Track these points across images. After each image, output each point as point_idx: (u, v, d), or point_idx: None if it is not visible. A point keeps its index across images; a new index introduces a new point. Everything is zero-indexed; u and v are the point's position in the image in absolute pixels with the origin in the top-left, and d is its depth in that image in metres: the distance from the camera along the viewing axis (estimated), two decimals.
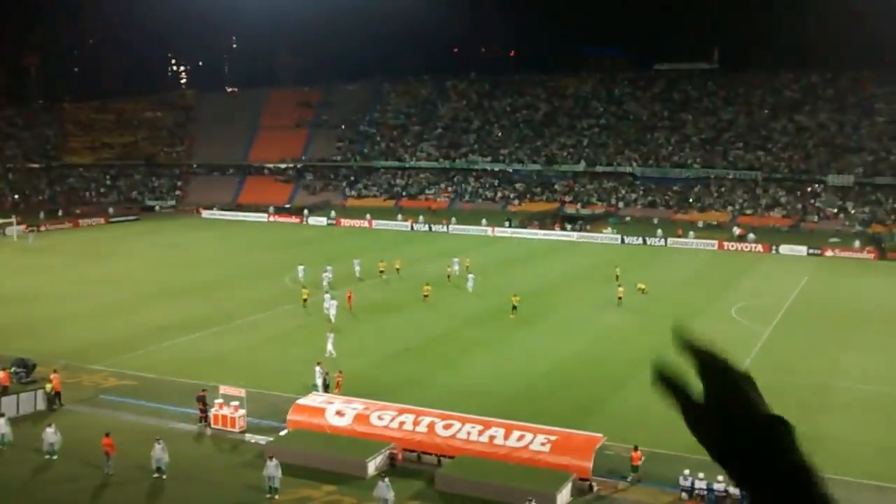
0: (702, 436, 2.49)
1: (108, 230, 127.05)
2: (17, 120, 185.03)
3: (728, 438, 2.45)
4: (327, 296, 70.18)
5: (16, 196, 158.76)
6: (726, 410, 2.45)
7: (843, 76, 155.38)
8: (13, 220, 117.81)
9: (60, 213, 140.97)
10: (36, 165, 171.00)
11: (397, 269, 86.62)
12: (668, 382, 2.54)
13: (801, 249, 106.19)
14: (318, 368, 49.47)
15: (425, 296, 74.16)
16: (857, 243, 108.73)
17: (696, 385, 2.50)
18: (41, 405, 46.25)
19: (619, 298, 73.39)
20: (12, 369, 49.90)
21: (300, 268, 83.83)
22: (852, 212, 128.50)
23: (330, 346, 56.81)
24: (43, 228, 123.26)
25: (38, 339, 60.69)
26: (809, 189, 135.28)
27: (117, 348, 58.49)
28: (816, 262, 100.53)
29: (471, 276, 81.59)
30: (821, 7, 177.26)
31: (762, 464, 2.39)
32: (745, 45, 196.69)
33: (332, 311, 66.85)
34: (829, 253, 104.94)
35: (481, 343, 61.09)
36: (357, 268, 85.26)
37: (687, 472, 36.09)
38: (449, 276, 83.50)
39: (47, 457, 39.56)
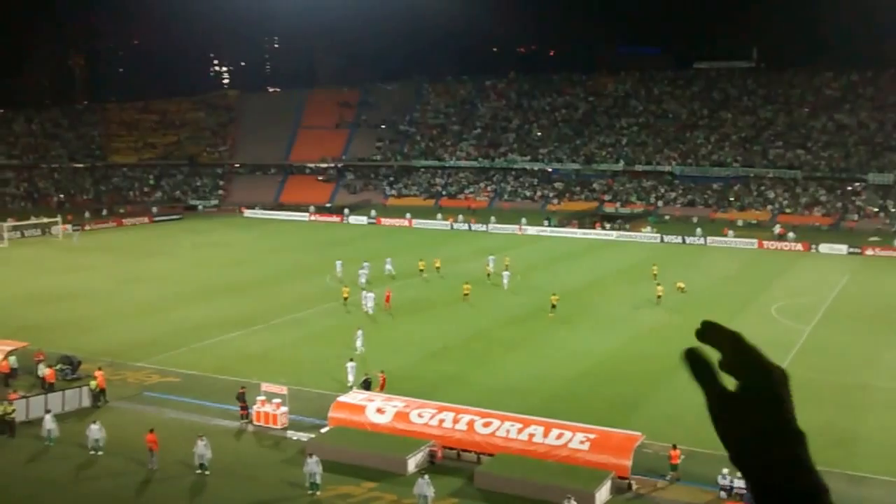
0: (725, 430, 2.51)
1: (151, 229, 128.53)
2: (62, 120, 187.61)
3: (754, 444, 2.44)
4: (364, 291, 72.20)
5: (61, 196, 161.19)
6: (758, 413, 2.46)
7: (885, 74, 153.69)
8: (59, 219, 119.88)
9: (105, 212, 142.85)
10: (81, 165, 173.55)
11: (437, 268, 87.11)
12: (700, 365, 2.58)
13: (842, 248, 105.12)
14: (349, 364, 50.49)
15: (465, 294, 74.52)
16: None
17: (727, 379, 2.52)
18: (86, 402, 47.04)
19: (658, 297, 73.42)
20: (58, 366, 51.16)
21: (338, 263, 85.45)
22: (893, 210, 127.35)
23: (359, 343, 57.85)
24: (88, 228, 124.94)
25: (83, 337, 61.79)
26: (850, 188, 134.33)
27: (161, 346, 59.39)
28: (857, 260, 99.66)
29: (506, 273, 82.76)
30: (861, 5, 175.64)
31: (783, 478, 2.43)
32: (784, 44, 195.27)
33: (370, 304, 69.00)
34: (869, 252, 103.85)
35: (521, 341, 61.34)
36: (389, 266, 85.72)
37: (725, 471, 36.05)
38: (489, 275, 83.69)
39: (92, 452, 40.28)
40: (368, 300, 69.38)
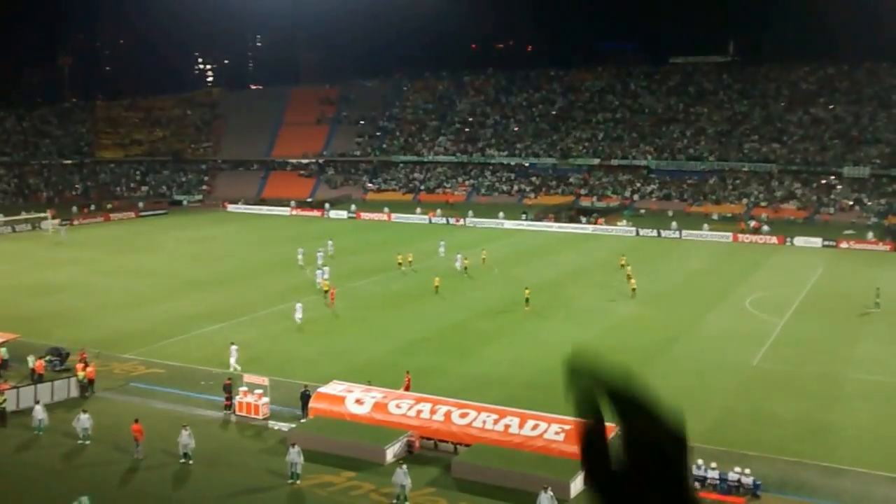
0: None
1: (138, 224, 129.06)
2: (51, 118, 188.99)
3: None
4: (319, 272, 78.78)
5: (51, 191, 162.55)
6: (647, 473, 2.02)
7: (860, 68, 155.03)
8: (48, 214, 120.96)
9: (93, 207, 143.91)
10: (70, 162, 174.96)
11: (409, 262, 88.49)
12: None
13: (816, 241, 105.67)
14: (233, 347, 53.11)
15: (436, 287, 75.72)
16: (870, 234, 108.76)
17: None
18: (74, 392, 47.96)
19: (633, 290, 74.13)
20: (47, 358, 51.98)
21: (329, 242, 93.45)
22: (868, 204, 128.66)
23: (299, 315, 62.92)
24: (76, 223, 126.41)
25: (71, 329, 62.69)
26: (825, 181, 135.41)
27: (146, 338, 60.28)
28: (831, 253, 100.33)
29: (459, 255, 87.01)
30: None
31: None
32: (760, 38, 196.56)
33: (323, 278, 76.49)
34: (844, 245, 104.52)
35: (497, 333, 62.19)
36: (318, 253, 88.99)
37: (700, 461, 36.76)
38: (466, 269, 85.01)
39: (80, 442, 41.14)
40: (320, 275, 77.45)
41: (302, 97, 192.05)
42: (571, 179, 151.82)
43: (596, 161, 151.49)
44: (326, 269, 79.41)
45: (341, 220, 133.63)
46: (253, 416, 44.41)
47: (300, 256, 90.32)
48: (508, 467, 37.05)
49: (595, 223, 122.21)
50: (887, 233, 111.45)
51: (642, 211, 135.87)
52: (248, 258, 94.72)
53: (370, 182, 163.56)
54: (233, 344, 53.84)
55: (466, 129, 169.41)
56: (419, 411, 41.47)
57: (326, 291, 72.87)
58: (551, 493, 33.33)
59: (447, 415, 40.92)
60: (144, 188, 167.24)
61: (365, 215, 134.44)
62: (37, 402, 43.47)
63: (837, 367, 53.92)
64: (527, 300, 69.34)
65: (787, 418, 44.42)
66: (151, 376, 51.93)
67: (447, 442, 40.52)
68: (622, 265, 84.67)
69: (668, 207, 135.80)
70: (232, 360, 52.64)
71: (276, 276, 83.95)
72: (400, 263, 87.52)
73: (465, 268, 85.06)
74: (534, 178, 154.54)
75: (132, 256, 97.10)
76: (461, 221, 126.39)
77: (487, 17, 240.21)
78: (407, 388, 46.43)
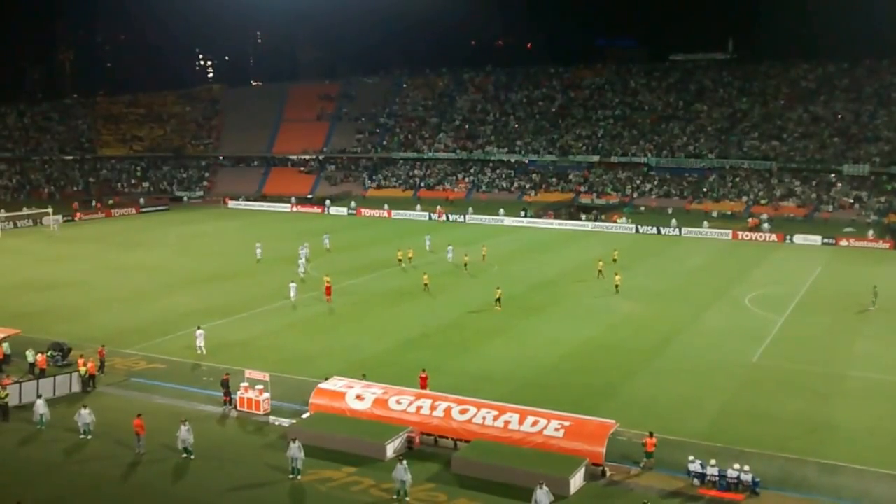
0: None
1: (139, 220, 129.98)
2: (52, 114, 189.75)
3: None
4: (301, 262, 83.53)
5: (52, 187, 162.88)
6: None
7: (860, 65, 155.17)
8: (50, 210, 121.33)
9: (94, 203, 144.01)
10: (71, 158, 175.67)
11: (409, 258, 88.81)
12: None
13: (816, 239, 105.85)
14: (198, 332, 54.94)
15: (425, 285, 75.77)
16: (870, 232, 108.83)
17: None
18: (76, 387, 48.05)
19: (616, 286, 74.39)
20: (49, 353, 52.16)
21: (326, 237, 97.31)
22: (867, 201, 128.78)
23: (293, 294, 69.81)
24: (78, 218, 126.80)
25: (73, 325, 62.90)
26: (825, 179, 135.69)
27: (148, 333, 60.47)
28: (831, 251, 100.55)
29: (450, 247, 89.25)
30: None
31: None
32: (760, 35, 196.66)
33: (301, 270, 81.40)
34: (843, 243, 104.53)
35: (496, 330, 62.10)
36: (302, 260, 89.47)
37: (692, 457, 36.77)
38: (465, 265, 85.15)
39: (82, 436, 41.19)
40: (302, 267, 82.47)
41: (302, 94, 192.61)
42: (571, 176, 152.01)
43: (596, 158, 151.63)
44: (304, 252, 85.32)
45: (341, 216, 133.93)
46: (254, 411, 44.52)
47: (258, 251, 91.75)
48: (508, 463, 37.10)
49: (612, 220, 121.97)
50: (887, 231, 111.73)
51: (642, 208, 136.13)
52: (248, 254, 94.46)
53: (370, 179, 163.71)
54: (199, 328, 55.33)
55: (466, 126, 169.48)
56: (419, 407, 41.52)
57: (304, 281, 74.29)
58: (546, 489, 33.35)
59: (447, 411, 40.95)
60: (145, 184, 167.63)
61: (365, 212, 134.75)
62: (39, 397, 43.54)
63: (837, 365, 53.93)
64: (497, 300, 68.80)
65: (787, 415, 44.48)
66: (153, 371, 52.03)
67: (447, 438, 40.54)
68: (614, 260, 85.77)
69: (667, 205, 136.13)
70: (198, 343, 54.32)
71: (276, 272, 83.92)
72: (400, 260, 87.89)
73: (466, 265, 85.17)
74: (534, 175, 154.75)
75: (133, 252, 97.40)
76: (443, 217, 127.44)
77: (487, 14, 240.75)
78: (423, 388, 46.11)
